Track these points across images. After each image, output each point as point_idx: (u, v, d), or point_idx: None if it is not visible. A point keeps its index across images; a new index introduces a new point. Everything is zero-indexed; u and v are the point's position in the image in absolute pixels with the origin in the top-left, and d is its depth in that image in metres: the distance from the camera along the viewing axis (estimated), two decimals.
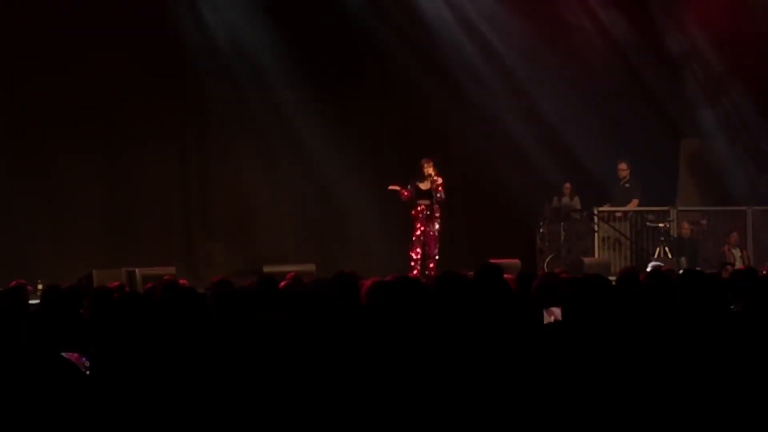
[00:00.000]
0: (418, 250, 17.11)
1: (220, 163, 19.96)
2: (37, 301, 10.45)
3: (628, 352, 5.72)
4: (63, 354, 5.59)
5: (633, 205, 19.53)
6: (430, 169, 17.05)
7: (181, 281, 10.32)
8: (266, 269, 16.37)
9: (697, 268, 11.79)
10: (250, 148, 19.82)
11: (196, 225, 19.85)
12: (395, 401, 5.34)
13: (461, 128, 20.45)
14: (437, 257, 17.15)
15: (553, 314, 7.42)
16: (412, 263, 17.10)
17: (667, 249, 18.85)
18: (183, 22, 19.34)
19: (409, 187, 17.13)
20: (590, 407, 5.35)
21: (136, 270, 15.98)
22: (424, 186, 17.09)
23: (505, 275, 8.60)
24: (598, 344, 5.78)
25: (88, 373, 5.70)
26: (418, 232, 17.09)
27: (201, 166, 19.96)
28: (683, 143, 21.24)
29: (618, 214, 19.43)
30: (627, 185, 19.65)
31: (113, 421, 5.10)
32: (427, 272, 16.65)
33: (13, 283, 10.93)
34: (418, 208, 17.12)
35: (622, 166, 19.67)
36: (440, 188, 16.98)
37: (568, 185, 19.92)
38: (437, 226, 17.13)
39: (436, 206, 17.08)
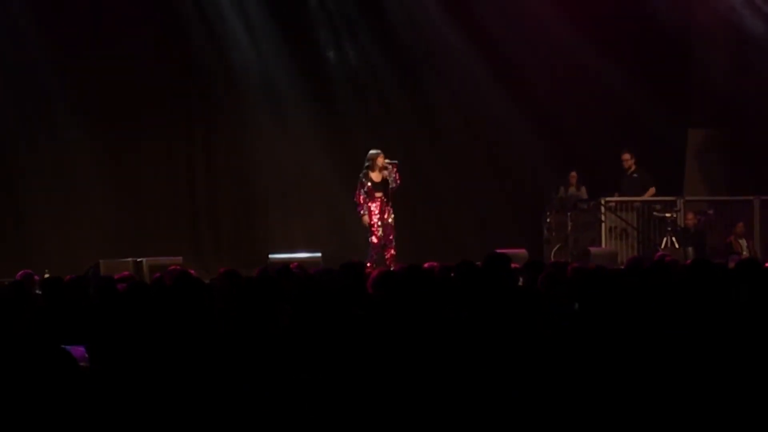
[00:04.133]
0: (377, 238, 16.98)
1: (226, 152, 19.98)
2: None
3: (635, 342, 5.72)
4: (67, 347, 5.59)
5: (650, 193, 19.48)
6: (384, 160, 16.94)
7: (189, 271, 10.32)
8: (272, 258, 16.39)
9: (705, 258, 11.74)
10: (256, 139, 19.83)
11: (202, 215, 19.87)
12: (401, 391, 5.34)
13: (467, 117, 20.46)
14: (394, 244, 17.05)
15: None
16: (373, 252, 17.01)
17: (674, 239, 18.82)
18: (191, 17, 19.38)
19: (363, 198, 16.98)
20: (597, 398, 5.35)
21: (144, 260, 15.99)
22: (376, 177, 16.99)
23: (512, 264, 8.61)
24: (606, 334, 5.78)
25: (88, 365, 5.69)
26: (376, 219, 16.93)
27: (207, 155, 19.98)
28: (690, 133, 21.19)
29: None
30: (635, 175, 19.58)
31: (116, 413, 5.10)
32: (387, 261, 16.54)
33: (21, 273, 10.98)
34: (377, 202, 16.98)
35: (626, 156, 19.58)
36: (396, 175, 16.82)
37: (574, 174, 19.88)
38: (392, 215, 17.03)
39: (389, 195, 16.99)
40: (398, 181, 16.81)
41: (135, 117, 19.20)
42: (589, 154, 20.03)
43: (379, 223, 16.90)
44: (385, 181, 16.88)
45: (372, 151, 17.00)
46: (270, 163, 19.86)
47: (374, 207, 16.81)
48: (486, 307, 6.17)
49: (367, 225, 16.87)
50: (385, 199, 16.89)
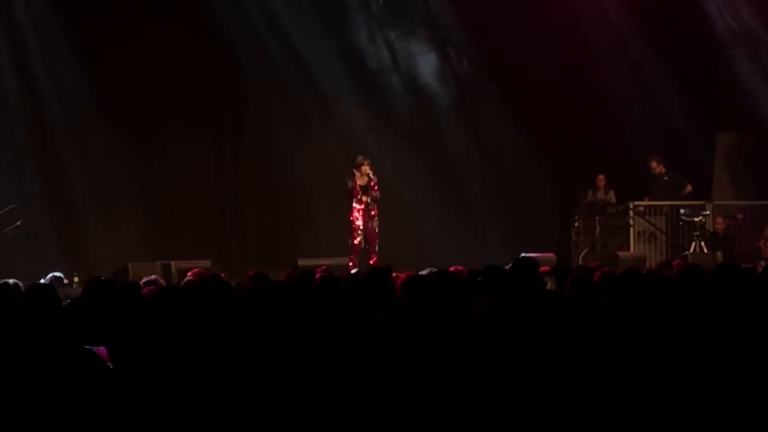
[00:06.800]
0: (358, 239, 17.21)
1: (254, 156, 20.02)
2: (74, 294, 10.50)
3: (661, 345, 5.70)
4: (92, 347, 5.62)
5: (688, 191, 19.44)
6: (368, 168, 17.13)
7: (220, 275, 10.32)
8: (301, 263, 16.40)
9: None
10: (285, 143, 19.86)
11: (230, 218, 19.92)
12: (429, 393, 5.34)
13: (495, 122, 20.43)
14: (377, 251, 17.19)
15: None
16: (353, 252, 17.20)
17: (702, 243, 18.74)
18: (219, 12, 19.40)
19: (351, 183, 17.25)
20: (621, 399, 5.34)
21: (172, 263, 16.04)
22: (361, 182, 17.16)
23: (540, 268, 8.59)
24: (631, 337, 5.77)
25: (112, 367, 5.71)
26: (359, 223, 17.16)
27: (235, 160, 20.04)
28: (719, 137, 21.11)
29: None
30: (665, 178, 19.51)
31: (143, 413, 5.12)
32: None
33: (49, 275, 11.04)
34: (361, 204, 17.20)
35: (653, 164, 19.53)
36: (376, 187, 17.22)
37: (601, 177, 19.81)
38: (377, 222, 17.22)
39: (374, 204, 17.20)
40: (376, 190, 17.11)
41: (164, 121, 19.29)
42: (617, 157, 19.95)
43: (361, 228, 17.12)
44: (368, 187, 17.10)
45: (360, 158, 17.23)
46: (298, 166, 19.88)
47: (357, 212, 17.02)
48: (503, 307, 6.16)
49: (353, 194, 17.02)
50: (368, 205, 17.11)
